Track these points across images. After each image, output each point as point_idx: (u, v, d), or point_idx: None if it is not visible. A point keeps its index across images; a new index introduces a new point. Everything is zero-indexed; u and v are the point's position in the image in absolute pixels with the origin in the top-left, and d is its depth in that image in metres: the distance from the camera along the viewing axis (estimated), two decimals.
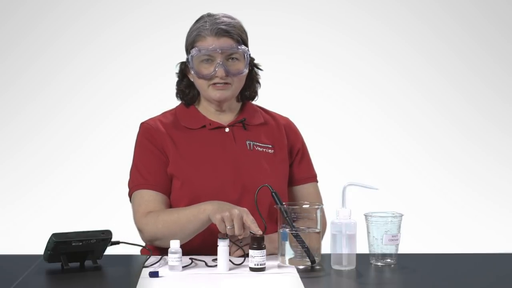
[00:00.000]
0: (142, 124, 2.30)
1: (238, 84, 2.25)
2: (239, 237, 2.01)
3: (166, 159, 2.24)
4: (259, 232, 1.97)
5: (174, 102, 2.39)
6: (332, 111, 4.40)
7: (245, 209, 2.02)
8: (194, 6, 4.28)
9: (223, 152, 2.24)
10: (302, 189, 2.34)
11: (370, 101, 4.44)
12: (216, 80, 2.21)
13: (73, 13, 4.33)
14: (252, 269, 1.96)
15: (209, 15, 2.25)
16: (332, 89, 4.41)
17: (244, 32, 2.25)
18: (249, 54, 2.24)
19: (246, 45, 2.25)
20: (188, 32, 2.26)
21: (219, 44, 2.19)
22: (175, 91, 2.34)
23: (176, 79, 2.34)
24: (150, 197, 2.20)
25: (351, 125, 4.42)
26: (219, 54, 2.19)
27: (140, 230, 2.20)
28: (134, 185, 2.24)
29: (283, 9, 4.37)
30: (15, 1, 4.32)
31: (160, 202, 2.20)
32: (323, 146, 4.22)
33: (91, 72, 4.34)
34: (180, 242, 2.03)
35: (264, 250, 1.96)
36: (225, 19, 2.23)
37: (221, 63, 2.19)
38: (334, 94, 4.42)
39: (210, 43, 2.19)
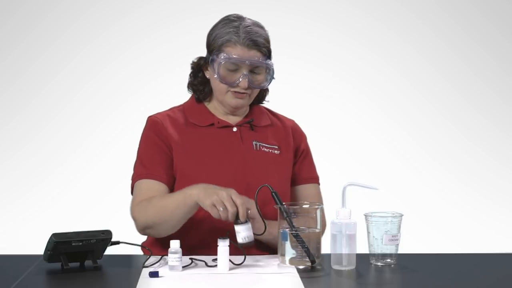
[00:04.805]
0: (150, 118, 2.31)
1: (254, 94, 2.28)
2: (241, 219, 1.98)
3: (170, 153, 2.24)
4: (243, 219, 1.97)
5: (174, 102, 2.40)
6: (332, 111, 4.41)
7: (232, 189, 2.02)
8: (194, 6, 4.30)
9: (229, 151, 2.26)
10: (303, 189, 2.35)
11: (370, 101, 4.44)
12: (237, 89, 2.22)
13: (73, 13, 4.33)
14: (241, 245, 1.97)
15: (239, 18, 2.24)
16: (332, 89, 4.42)
17: (269, 42, 2.25)
18: (273, 70, 2.24)
19: (271, 56, 2.25)
20: (215, 31, 2.24)
21: (248, 55, 2.19)
22: (186, 82, 2.34)
23: (188, 71, 2.34)
24: (149, 185, 2.21)
25: (351, 125, 4.42)
26: (246, 66, 2.20)
27: (133, 219, 2.21)
28: (136, 176, 2.25)
29: (283, 9, 4.37)
30: (15, 1, 4.32)
31: (160, 191, 2.20)
32: (323, 146, 4.21)
33: (91, 72, 4.34)
34: (172, 229, 2.10)
35: (249, 224, 1.97)
36: (256, 29, 2.22)
37: (246, 74, 2.19)
38: (334, 94, 4.42)
39: (240, 52, 2.19)
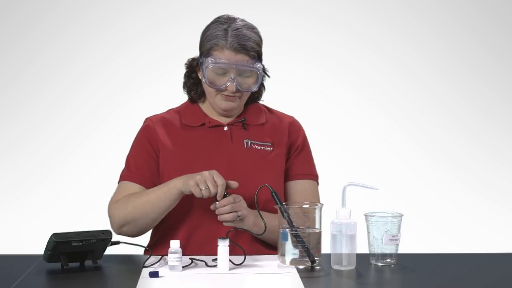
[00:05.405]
0: (146, 120, 2.35)
1: (245, 96, 2.28)
2: (218, 197, 2.08)
3: (157, 158, 2.27)
4: (235, 184, 2.09)
5: (174, 102, 2.40)
6: (332, 111, 4.40)
7: (214, 170, 2.09)
8: (194, 6, 4.30)
9: (217, 150, 2.26)
10: (295, 185, 2.33)
11: (370, 101, 4.44)
12: (226, 92, 2.22)
13: (73, 13, 4.33)
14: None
15: (229, 20, 2.23)
16: (332, 89, 4.41)
17: (260, 44, 2.25)
18: (262, 73, 2.24)
19: (261, 58, 2.25)
20: (205, 34, 2.25)
21: (235, 59, 2.19)
22: (182, 82, 2.36)
23: (183, 72, 2.35)
24: (129, 187, 2.25)
25: (351, 125, 4.41)
26: (233, 69, 2.19)
27: (110, 217, 2.24)
28: (120, 177, 2.30)
29: (283, 9, 4.37)
30: (15, 1, 4.32)
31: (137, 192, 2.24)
32: (323, 146, 4.21)
33: (91, 72, 4.34)
34: (150, 224, 2.18)
35: (231, 197, 2.09)
36: (246, 31, 2.21)
37: (233, 78, 2.19)
38: (334, 94, 4.42)
39: (227, 56, 2.19)
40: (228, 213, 2.10)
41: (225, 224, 2.12)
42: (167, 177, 2.22)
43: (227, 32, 2.19)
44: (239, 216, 2.10)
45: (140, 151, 2.29)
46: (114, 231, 2.23)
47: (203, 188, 2.06)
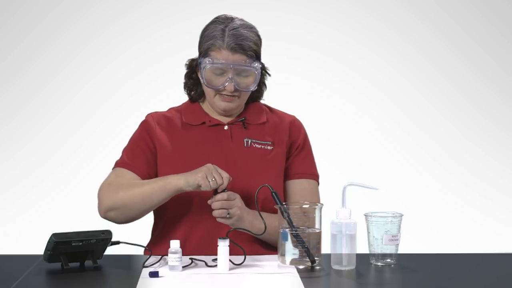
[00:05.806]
0: (147, 116, 2.36)
1: (245, 96, 2.28)
2: (219, 189, 2.09)
3: (155, 152, 2.28)
4: (221, 190, 2.09)
5: (174, 102, 2.41)
6: (332, 111, 4.40)
7: (214, 165, 2.11)
8: (194, 6, 4.30)
9: (217, 148, 2.27)
10: (296, 184, 2.33)
11: (370, 101, 4.44)
12: (224, 92, 2.23)
13: (73, 13, 4.33)
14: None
15: (226, 19, 2.24)
16: (332, 89, 4.41)
17: (258, 44, 2.25)
18: (260, 72, 2.24)
19: (259, 58, 2.25)
20: (204, 33, 2.25)
21: (232, 59, 2.19)
22: (182, 82, 2.37)
23: (183, 72, 2.36)
24: (123, 174, 2.25)
25: (351, 125, 4.41)
26: (231, 69, 2.20)
27: (98, 199, 2.24)
28: (115, 164, 2.30)
29: (283, 9, 4.37)
30: (15, 1, 4.32)
31: (131, 180, 2.24)
32: (323, 146, 4.20)
33: (91, 72, 4.34)
34: (138, 215, 2.18)
35: (225, 194, 2.09)
36: (243, 31, 2.21)
37: (231, 77, 2.20)
38: (334, 94, 4.42)
39: (225, 57, 2.19)
40: (219, 209, 2.10)
41: (217, 220, 2.12)
42: (165, 174, 2.22)
43: (224, 32, 2.20)
44: (228, 214, 2.10)
45: (138, 142, 2.30)
46: (100, 214, 2.23)
47: (211, 180, 2.06)
